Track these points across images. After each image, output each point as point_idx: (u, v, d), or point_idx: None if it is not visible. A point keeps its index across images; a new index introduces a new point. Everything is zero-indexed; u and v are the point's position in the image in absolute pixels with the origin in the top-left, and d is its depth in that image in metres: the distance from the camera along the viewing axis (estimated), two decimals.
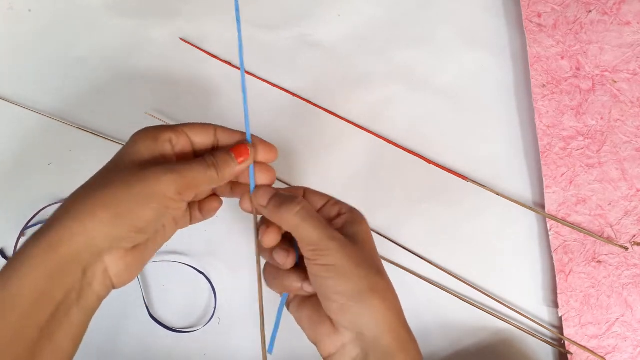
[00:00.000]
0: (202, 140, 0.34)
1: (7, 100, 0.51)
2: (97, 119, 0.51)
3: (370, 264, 0.32)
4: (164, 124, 0.50)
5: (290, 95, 0.51)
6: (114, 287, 0.32)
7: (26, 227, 0.48)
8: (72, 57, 0.52)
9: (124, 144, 0.49)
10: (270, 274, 0.36)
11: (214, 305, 0.47)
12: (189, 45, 0.51)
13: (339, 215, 0.35)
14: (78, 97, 0.51)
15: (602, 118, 0.47)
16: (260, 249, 0.35)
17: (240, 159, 0.33)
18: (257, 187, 0.35)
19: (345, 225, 0.34)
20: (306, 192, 0.36)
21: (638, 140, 0.46)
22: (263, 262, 0.37)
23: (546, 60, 0.48)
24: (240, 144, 0.34)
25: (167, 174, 0.30)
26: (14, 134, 0.50)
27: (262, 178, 0.35)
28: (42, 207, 0.48)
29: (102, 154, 0.50)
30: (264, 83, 0.51)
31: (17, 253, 0.29)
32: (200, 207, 0.37)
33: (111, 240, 0.29)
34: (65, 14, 0.52)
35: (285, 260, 0.34)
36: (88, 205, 0.29)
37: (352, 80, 0.51)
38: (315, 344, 0.34)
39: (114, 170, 0.31)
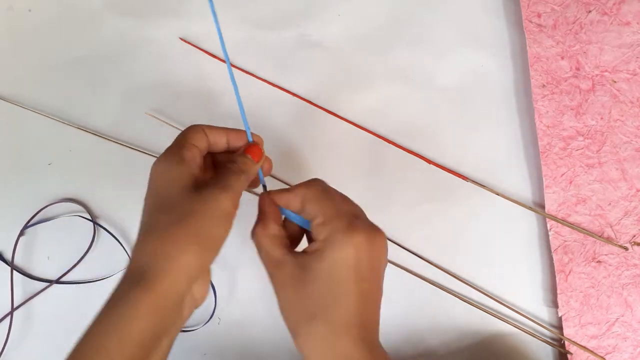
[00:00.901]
0: (203, 145, 0.35)
1: (7, 100, 0.51)
2: (97, 119, 0.51)
3: (303, 308, 0.31)
4: (164, 123, 0.50)
5: (290, 95, 0.51)
6: (197, 307, 0.33)
7: (26, 227, 0.48)
8: (72, 57, 0.52)
9: (123, 144, 0.50)
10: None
11: (213, 305, 0.47)
12: (189, 45, 0.51)
13: (316, 239, 0.33)
14: (78, 97, 0.51)
15: (602, 118, 0.47)
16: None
17: (257, 159, 0.35)
18: (261, 194, 0.36)
19: (312, 255, 0.32)
20: (306, 198, 0.34)
21: (638, 140, 0.47)
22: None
23: (546, 60, 0.48)
24: (251, 145, 0.35)
25: (223, 192, 0.31)
26: (14, 134, 0.50)
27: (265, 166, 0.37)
28: (42, 207, 0.48)
29: (102, 154, 0.50)
30: (264, 83, 0.51)
31: (116, 298, 0.29)
32: None
33: (201, 269, 0.31)
34: (65, 14, 0.52)
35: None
36: (176, 242, 0.29)
37: (352, 80, 0.51)
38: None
39: (175, 203, 0.31)
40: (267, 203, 0.35)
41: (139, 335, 0.28)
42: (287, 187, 0.37)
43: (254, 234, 0.34)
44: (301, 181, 0.36)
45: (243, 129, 0.36)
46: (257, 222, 0.34)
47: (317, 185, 0.35)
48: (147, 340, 0.29)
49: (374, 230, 0.33)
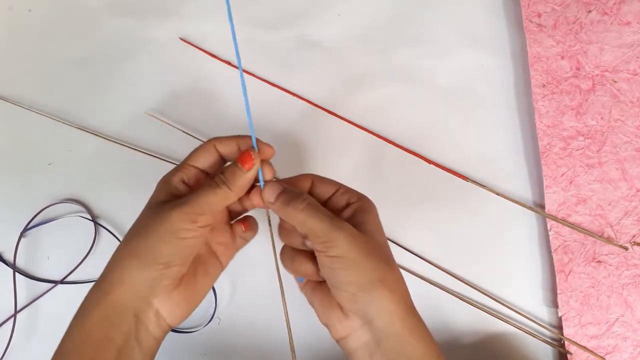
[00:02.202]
0: (208, 162, 0.35)
1: (7, 100, 0.51)
2: (97, 119, 0.51)
3: (379, 254, 0.33)
4: (164, 124, 0.50)
5: (290, 95, 0.51)
6: (170, 327, 0.34)
7: (26, 228, 0.48)
8: (72, 57, 0.52)
9: (124, 144, 0.50)
10: (286, 256, 0.36)
11: (214, 306, 0.47)
12: (189, 45, 0.51)
13: (348, 205, 0.35)
14: (78, 97, 0.51)
15: (602, 118, 0.47)
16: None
17: (247, 166, 0.34)
18: (265, 183, 0.35)
19: (355, 215, 0.34)
20: (314, 181, 0.36)
21: (638, 140, 0.46)
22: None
23: (546, 60, 0.48)
24: (243, 152, 0.35)
25: (175, 207, 0.32)
26: (14, 134, 0.51)
27: (266, 173, 0.36)
28: (42, 207, 0.48)
29: (102, 154, 0.50)
30: (264, 83, 0.51)
31: (80, 305, 0.33)
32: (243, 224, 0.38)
33: (149, 283, 0.32)
34: (65, 14, 0.52)
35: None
36: (122, 257, 0.33)
37: (353, 80, 0.51)
38: (326, 326, 0.35)
39: (139, 219, 0.34)
40: (281, 186, 0.35)
41: (93, 338, 0.31)
42: (295, 175, 0.37)
43: (304, 199, 0.33)
44: None
45: (244, 127, 0.36)
46: (295, 192, 0.34)
47: (315, 174, 0.37)
48: (105, 344, 0.31)
49: None
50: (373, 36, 0.52)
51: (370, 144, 0.50)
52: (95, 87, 0.51)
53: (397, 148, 0.49)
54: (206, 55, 0.51)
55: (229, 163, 0.36)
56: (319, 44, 0.52)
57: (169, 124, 0.50)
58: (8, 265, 0.48)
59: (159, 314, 0.33)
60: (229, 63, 0.51)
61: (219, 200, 0.33)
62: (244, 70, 0.51)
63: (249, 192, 0.36)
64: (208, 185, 0.33)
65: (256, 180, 0.35)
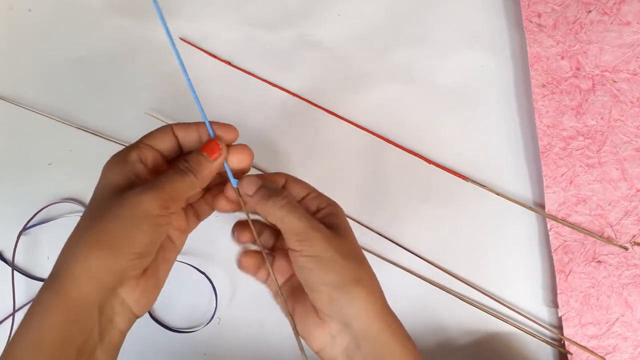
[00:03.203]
0: (164, 144, 0.33)
1: (7, 100, 0.51)
2: (97, 119, 0.51)
3: (354, 255, 0.33)
4: (164, 124, 0.50)
5: (290, 95, 0.51)
6: (136, 317, 0.32)
7: (26, 227, 0.48)
8: (72, 57, 0.52)
9: (124, 144, 0.50)
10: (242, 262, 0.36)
11: (214, 305, 0.47)
12: (189, 45, 0.51)
13: (318, 210, 0.34)
14: (78, 97, 0.51)
15: (602, 118, 0.47)
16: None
17: (214, 156, 0.33)
18: (244, 177, 0.34)
19: (327, 218, 0.33)
20: (287, 181, 0.35)
21: (638, 140, 0.46)
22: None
23: (546, 60, 0.48)
24: (210, 140, 0.33)
25: (147, 193, 0.30)
26: (14, 134, 0.50)
27: (239, 158, 0.34)
28: (42, 207, 0.48)
29: (102, 154, 0.50)
30: (264, 83, 0.51)
31: (32, 303, 0.29)
32: (195, 210, 0.36)
33: (116, 273, 0.29)
34: (65, 14, 0.52)
35: (239, 235, 0.36)
36: (84, 245, 0.29)
37: (352, 80, 0.51)
38: (304, 337, 0.34)
39: (97, 206, 0.30)
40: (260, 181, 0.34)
41: (52, 339, 0.28)
42: (268, 173, 0.36)
43: (283, 197, 0.32)
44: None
45: (222, 122, 0.34)
46: (276, 189, 0.33)
47: (289, 174, 0.36)
48: (64, 345, 0.28)
49: None
50: (373, 36, 0.52)
51: (370, 144, 0.50)
52: (95, 87, 0.51)
53: (397, 148, 0.49)
54: (206, 55, 0.51)
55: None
56: (319, 44, 0.52)
57: (168, 124, 0.50)
58: (7, 264, 0.48)
59: (124, 304, 0.31)
60: (229, 63, 0.51)
61: (186, 187, 0.31)
62: (244, 71, 0.51)
63: (222, 186, 0.35)
64: (175, 172, 0.31)
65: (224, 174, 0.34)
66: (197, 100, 0.33)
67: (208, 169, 0.32)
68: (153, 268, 0.32)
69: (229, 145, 0.34)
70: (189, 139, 0.34)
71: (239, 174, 0.34)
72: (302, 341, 0.34)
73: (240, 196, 0.34)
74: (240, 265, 0.36)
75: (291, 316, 0.34)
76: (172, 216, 0.31)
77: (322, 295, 0.32)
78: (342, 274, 0.31)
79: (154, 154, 0.33)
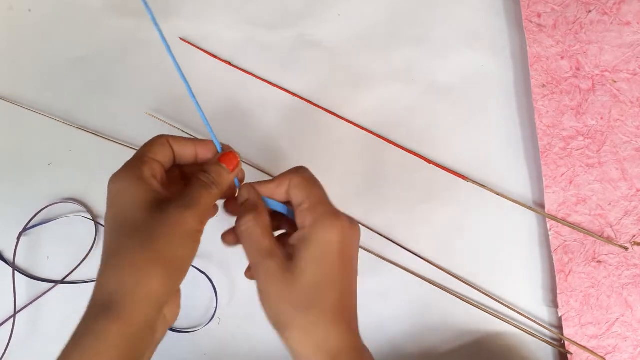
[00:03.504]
0: (166, 157, 0.33)
1: (7, 100, 0.51)
2: (97, 119, 0.51)
3: (294, 298, 0.31)
4: (164, 124, 0.50)
5: (290, 95, 0.51)
6: (169, 327, 0.33)
7: (26, 228, 0.48)
8: (72, 57, 0.52)
9: (124, 144, 0.50)
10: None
11: (214, 305, 0.47)
12: (189, 45, 0.51)
13: (302, 226, 0.32)
14: (78, 97, 0.51)
15: (602, 118, 0.47)
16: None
17: (232, 167, 0.33)
18: (243, 185, 0.34)
19: (296, 244, 0.32)
20: (291, 184, 0.34)
21: (638, 140, 0.46)
22: None
23: (546, 60, 0.48)
24: (226, 153, 0.33)
25: (188, 210, 0.30)
26: (14, 134, 0.51)
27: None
28: (42, 207, 0.48)
29: (102, 154, 0.50)
30: (264, 83, 0.51)
31: (84, 324, 0.28)
32: None
33: (169, 291, 0.30)
34: (65, 14, 0.52)
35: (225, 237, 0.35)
36: (143, 268, 0.28)
37: (352, 80, 0.51)
38: None
39: (137, 219, 0.30)
40: (253, 193, 0.34)
41: None
42: (274, 176, 0.36)
43: (243, 223, 0.32)
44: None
45: (241, 144, 0.36)
46: (246, 212, 0.32)
47: (302, 173, 0.34)
48: None
49: (352, 218, 0.33)
50: (373, 36, 0.52)
51: (370, 144, 0.50)
52: (95, 87, 0.51)
53: (397, 148, 0.49)
54: (206, 55, 0.51)
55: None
56: (319, 44, 0.52)
57: (169, 124, 0.50)
58: (8, 264, 0.48)
59: (165, 319, 0.32)
60: (229, 63, 0.51)
61: (212, 201, 0.32)
62: (244, 71, 0.51)
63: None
64: (202, 186, 0.32)
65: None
66: (202, 114, 0.34)
67: (228, 180, 0.33)
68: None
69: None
70: (185, 153, 0.34)
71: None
72: None
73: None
74: (224, 239, 0.35)
75: None
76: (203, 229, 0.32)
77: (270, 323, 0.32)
78: (275, 315, 0.31)
79: (160, 167, 0.33)
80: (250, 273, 0.34)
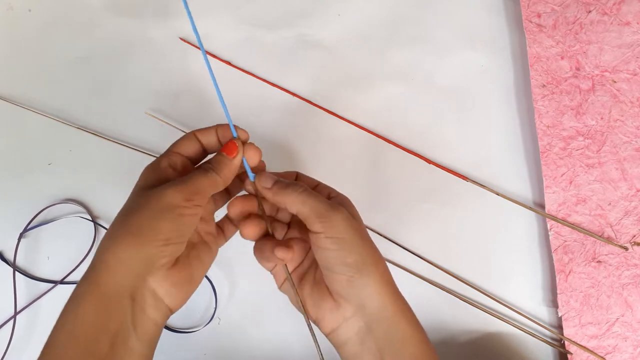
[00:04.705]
0: (191, 150, 0.36)
1: (7, 100, 0.51)
2: (97, 119, 0.51)
3: (369, 238, 0.34)
4: (164, 123, 0.50)
5: (290, 95, 0.51)
6: (171, 311, 0.33)
7: (26, 229, 0.48)
8: (72, 57, 0.52)
9: (124, 144, 0.50)
10: (258, 250, 0.36)
11: (214, 306, 0.47)
12: (189, 45, 0.51)
13: (330, 197, 0.36)
14: (78, 97, 0.51)
15: (602, 118, 0.47)
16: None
17: (233, 155, 0.35)
18: (260, 173, 0.36)
19: (341, 204, 0.35)
20: (298, 177, 0.38)
21: (638, 140, 0.47)
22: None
23: (546, 60, 0.48)
24: (228, 142, 0.35)
25: (170, 187, 0.32)
26: (14, 134, 0.50)
27: (250, 155, 0.36)
28: (42, 208, 0.48)
29: (102, 154, 0.50)
30: (264, 83, 0.51)
31: (70, 295, 0.31)
32: (233, 221, 0.39)
33: (146, 261, 0.31)
34: (65, 14, 0.52)
35: (246, 229, 0.36)
36: (116, 236, 0.31)
37: (352, 80, 0.51)
38: (316, 322, 0.35)
39: (128, 204, 0.33)
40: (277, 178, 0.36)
41: (87, 327, 0.29)
42: (281, 172, 0.38)
43: (301, 184, 0.35)
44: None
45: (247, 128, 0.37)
46: (295, 182, 0.35)
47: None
48: (99, 332, 0.29)
49: None
50: (373, 36, 0.52)
51: (370, 144, 0.50)
52: (95, 87, 0.51)
53: (397, 148, 0.49)
54: (206, 55, 0.51)
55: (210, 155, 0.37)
56: (319, 44, 0.52)
57: (169, 124, 0.50)
58: (8, 264, 0.48)
59: (156, 295, 0.32)
60: (228, 63, 0.51)
61: (209, 183, 0.34)
62: (244, 71, 0.51)
63: (241, 180, 0.37)
64: (198, 171, 0.34)
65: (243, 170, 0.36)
66: (223, 104, 0.36)
67: (228, 167, 0.35)
68: (185, 263, 0.34)
69: (243, 144, 0.36)
70: (210, 141, 0.36)
71: (255, 171, 0.36)
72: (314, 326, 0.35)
73: (257, 191, 0.36)
74: (243, 232, 0.36)
75: (301, 301, 0.35)
76: (197, 209, 0.33)
77: (340, 277, 0.33)
78: (362, 255, 0.33)
79: (182, 159, 0.35)
80: (299, 246, 0.36)
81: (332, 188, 0.37)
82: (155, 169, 0.34)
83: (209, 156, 0.37)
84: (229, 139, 0.36)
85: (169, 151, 0.35)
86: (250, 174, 0.36)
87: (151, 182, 0.33)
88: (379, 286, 0.33)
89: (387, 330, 0.32)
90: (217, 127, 0.36)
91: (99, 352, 0.29)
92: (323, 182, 0.38)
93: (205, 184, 0.33)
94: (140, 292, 0.31)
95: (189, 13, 0.34)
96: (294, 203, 0.34)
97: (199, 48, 0.51)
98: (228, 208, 0.37)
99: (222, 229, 0.38)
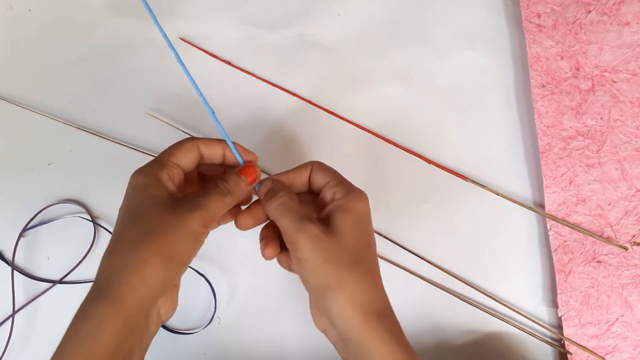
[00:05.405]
0: (190, 161, 0.35)
1: (7, 100, 0.51)
2: (97, 119, 0.51)
3: (342, 258, 0.32)
4: (164, 123, 0.50)
5: (290, 95, 0.51)
6: (163, 323, 0.34)
7: (26, 228, 0.48)
8: (72, 57, 0.52)
9: (123, 144, 0.50)
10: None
11: (214, 306, 0.47)
12: (189, 45, 0.51)
13: (332, 199, 0.35)
14: (78, 97, 0.51)
15: (601, 118, 0.47)
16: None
17: (250, 180, 0.35)
18: (265, 179, 0.36)
19: (332, 213, 0.34)
20: (313, 169, 0.37)
21: (638, 140, 0.47)
22: None
23: (546, 60, 0.48)
24: (248, 166, 0.36)
25: (195, 211, 0.32)
26: (14, 134, 0.50)
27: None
28: (41, 207, 0.48)
29: (102, 154, 0.50)
30: (264, 83, 0.51)
31: (82, 309, 0.30)
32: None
33: (165, 283, 0.31)
34: (65, 14, 0.52)
35: (264, 251, 0.36)
36: (140, 256, 0.30)
37: (352, 80, 0.51)
38: (312, 317, 0.36)
39: (148, 219, 0.32)
40: (275, 182, 0.36)
41: (105, 350, 0.29)
42: (297, 166, 0.38)
43: (278, 197, 0.34)
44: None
45: (241, 144, 0.37)
46: (278, 190, 0.35)
47: (318, 162, 0.37)
48: (115, 353, 0.29)
49: None
50: (373, 36, 0.52)
51: (371, 144, 0.50)
52: (95, 87, 0.51)
53: (397, 148, 0.49)
54: (206, 55, 0.51)
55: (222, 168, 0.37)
56: (319, 44, 0.52)
57: (169, 124, 0.50)
58: (7, 264, 0.48)
59: (159, 313, 0.33)
60: (229, 63, 0.51)
61: (224, 207, 0.34)
62: (244, 71, 0.51)
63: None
64: (216, 193, 0.34)
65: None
66: (220, 126, 0.36)
67: (244, 191, 0.35)
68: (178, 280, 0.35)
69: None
70: (213, 155, 0.36)
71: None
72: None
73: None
74: (238, 223, 0.36)
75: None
76: (208, 233, 0.34)
77: (310, 294, 0.34)
78: (322, 278, 0.32)
79: (179, 171, 0.35)
80: (285, 259, 0.36)
81: (342, 186, 0.35)
82: (159, 180, 0.33)
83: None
84: (240, 152, 0.36)
85: (169, 161, 0.34)
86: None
87: (162, 196, 0.33)
88: (345, 309, 0.31)
89: (357, 351, 0.32)
90: (224, 143, 0.36)
91: None
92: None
93: (221, 209, 0.34)
94: (151, 313, 0.32)
95: (151, 13, 0.33)
96: (272, 217, 0.34)
97: (199, 48, 0.51)
98: (238, 224, 0.37)
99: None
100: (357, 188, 0.35)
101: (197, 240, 0.33)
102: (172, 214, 0.32)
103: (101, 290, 0.30)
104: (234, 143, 0.36)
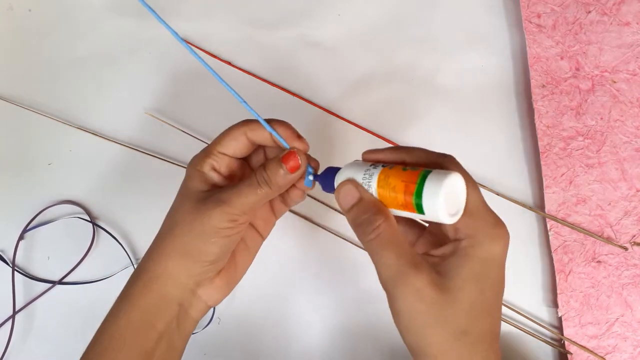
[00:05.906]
0: (238, 149, 0.33)
1: (7, 100, 0.51)
2: (97, 119, 0.51)
3: (449, 323, 0.26)
4: (164, 123, 0.50)
5: (290, 95, 0.51)
6: (210, 307, 0.34)
7: (26, 229, 0.48)
8: (72, 57, 0.52)
9: (123, 144, 0.50)
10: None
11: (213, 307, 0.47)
12: (189, 45, 0.51)
13: (456, 239, 0.27)
14: (78, 97, 0.51)
15: (601, 118, 0.47)
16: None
17: (292, 169, 0.31)
18: (343, 183, 0.30)
19: (448, 258, 0.27)
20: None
21: (638, 140, 0.47)
22: None
23: (546, 60, 0.48)
24: (290, 153, 0.31)
25: (217, 207, 0.30)
26: (14, 134, 0.50)
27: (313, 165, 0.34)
28: (42, 208, 0.48)
29: (102, 154, 0.50)
30: (264, 83, 0.51)
31: (125, 287, 0.33)
32: (283, 199, 0.35)
33: (194, 276, 0.32)
34: (65, 14, 0.52)
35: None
36: (162, 252, 0.32)
37: (352, 80, 0.51)
38: None
39: (175, 215, 0.33)
40: (366, 193, 0.29)
41: (135, 324, 0.31)
42: (437, 151, 0.31)
43: (376, 225, 0.27)
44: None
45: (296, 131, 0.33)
46: (377, 213, 0.27)
47: (452, 162, 0.29)
48: (147, 329, 0.31)
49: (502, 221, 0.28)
50: (373, 36, 0.52)
51: (371, 144, 0.50)
52: (95, 87, 0.51)
53: None
54: (206, 55, 0.51)
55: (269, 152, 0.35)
56: (319, 44, 0.52)
57: (168, 124, 0.50)
58: (8, 264, 0.48)
59: (200, 299, 0.33)
60: (229, 63, 0.51)
61: (259, 200, 0.31)
62: (244, 71, 0.51)
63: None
64: (249, 184, 0.31)
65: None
66: (254, 112, 0.33)
67: (285, 181, 0.31)
68: (230, 264, 0.34)
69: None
70: (263, 138, 0.33)
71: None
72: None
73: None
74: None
75: None
76: (244, 226, 0.32)
77: (405, 341, 0.28)
78: (418, 341, 0.26)
79: (227, 160, 0.33)
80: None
81: (479, 220, 0.27)
82: (199, 172, 0.32)
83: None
84: (287, 137, 0.32)
85: (214, 150, 0.32)
86: (308, 180, 0.33)
87: (198, 188, 0.32)
88: None
89: None
90: (274, 124, 0.32)
91: (146, 346, 0.31)
92: None
93: (254, 202, 0.31)
94: (188, 300, 0.33)
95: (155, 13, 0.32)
96: (365, 248, 0.28)
97: (199, 48, 0.51)
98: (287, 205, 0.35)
99: (273, 209, 0.36)
100: (494, 222, 0.27)
101: (222, 236, 0.31)
102: (196, 210, 0.31)
103: (138, 274, 0.32)
104: (283, 124, 0.33)
